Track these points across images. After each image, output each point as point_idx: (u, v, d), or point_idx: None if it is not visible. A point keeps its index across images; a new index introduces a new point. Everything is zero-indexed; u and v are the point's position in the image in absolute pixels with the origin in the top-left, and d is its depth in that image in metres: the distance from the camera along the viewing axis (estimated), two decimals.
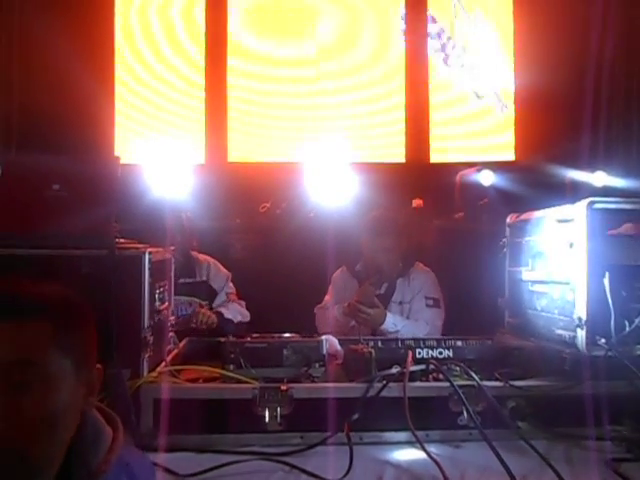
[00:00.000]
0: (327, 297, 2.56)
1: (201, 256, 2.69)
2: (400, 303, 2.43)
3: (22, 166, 1.52)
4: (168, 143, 4.37)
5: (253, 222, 4.16)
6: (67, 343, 0.71)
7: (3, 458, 0.65)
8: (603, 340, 1.36)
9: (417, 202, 4.12)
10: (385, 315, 2.24)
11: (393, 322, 2.25)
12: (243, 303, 2.67)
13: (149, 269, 1.42)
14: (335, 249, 2.79)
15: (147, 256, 1.41)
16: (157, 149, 3.96)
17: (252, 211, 4.25)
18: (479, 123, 4.81)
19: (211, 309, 2.55)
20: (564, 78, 4.32)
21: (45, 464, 0.70)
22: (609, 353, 1.35)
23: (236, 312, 2.57)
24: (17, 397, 0.66)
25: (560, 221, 1.49)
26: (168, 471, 1.18)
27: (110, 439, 0.78)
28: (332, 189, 3.76)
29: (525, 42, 4.71)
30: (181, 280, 2.50)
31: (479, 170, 4.27)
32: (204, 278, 2.61)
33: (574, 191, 3.88)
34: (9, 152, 4.02)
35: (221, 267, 2.70)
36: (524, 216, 1.74)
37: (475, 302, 2.73)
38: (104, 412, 0.82)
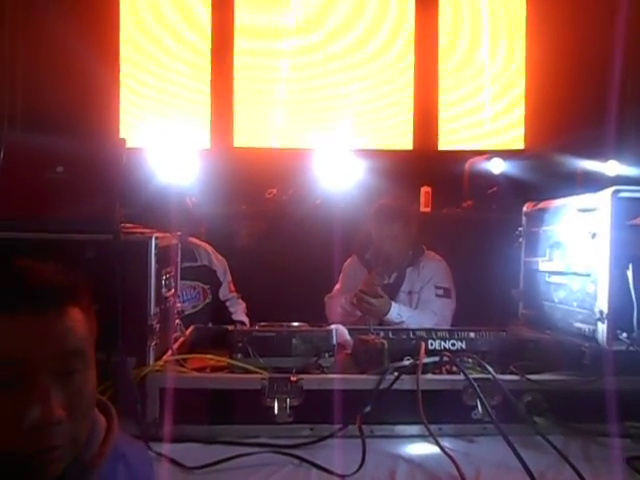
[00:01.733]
0: (337, 286, 2.53)
1: (196, 240, 2.65)
2: (409, 293, 2.39)
3: (24, 147, 1.47)
4: (173, 127, 4.34)
5: (259, 209, 4.12)
6: (92, 326, 0.72)
7: (61, 440, 0.65)
8: (625, 334, 1.31)
9: (425, 190, 4.06)
10: (390, 305, 2.20)
11: (398, 312, 2.21)
12: (244, 305, 2.64)
13: (155, 255, 1.37)
14: (342, 237, 2.75)
15: (153, 241, 1.37)
16: (163, 133, 3.92)
17: (258, 197, 4.21)
18: (489, 110, 4.74)
19: (215, 297, 2.52)
20: (575, 65, 4.24)
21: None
22: (630, 348, 1.30)
23: (239, 309, 2.56)
24: (70, 384, 0.66)
25: (582, 210, 1.43)
26: (174, 463, 1.15)
27: (104, 429, 0.74)
28: (339, 176, 3.72)
29: (537, 29, 4.61)
30: (185, 264, 2.49)
31: (489, 158, 4.22)
32: (204, 262, 2.59)
33: (585, 180, 3.82)
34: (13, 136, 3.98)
35: (218, 255, 2.67)
36: (542, 205, 1.68)
37: (485, 292, 2.69)
38: (96, 399, 0.77)
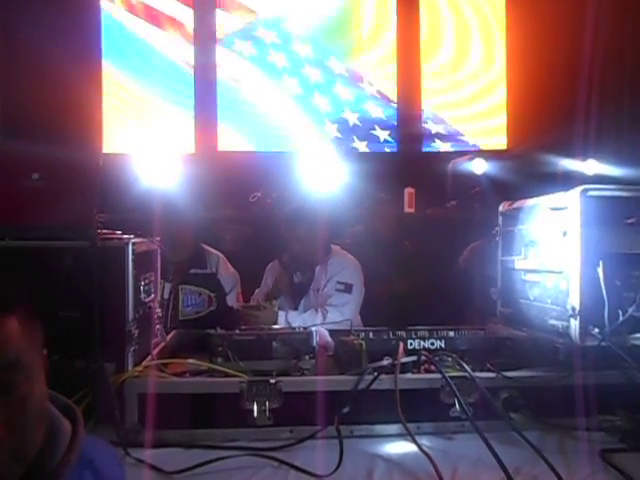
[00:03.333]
0: (257, 290, 2.62)
1: (210, 249, 2.69)
2: (317, 290, 2.48)
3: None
4: (157, 133, 4.33)
5: (244, 212, 4.12)
6: (34, 336, 0.69)
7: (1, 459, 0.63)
8: (597, 330, 1.34)
9: (409, 191, 4.09)
10: (276, 315, 2.27)
11: (286, 320, 2.28)
12: None
13: (133, 260, 1.37)
14: (327, 239, 2.76)
15: (130, 247, 1.37)
16: (146, 139, 3.91)
17: (243, 201, 4.21)
18: (472, 109, 4.78)
19: (221, 305, 2.53)
20: (556, 66, 4.30)
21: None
22: (602, 343, 1.33)
23: None
24: (9, 399, 0.64)
25: (553, 209, 1.46)
26: (153, 468, 1.15)
27: (69, 434, 0.71)
28: (324, 178, 3.73)
29: (517, 31, 4.67)
30: (192, 270, 2.53)
31: (471, 158, 4.26)
32: (214, 270, 2.60)
33: (566, 179, 3.88)
34: None
35: (229, 264, 2.69)
36: (517, 204, 1.71)
37: (468, 291, 2.71)
38: (59, 402, 0.74)
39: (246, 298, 2.69)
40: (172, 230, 2.33)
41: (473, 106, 4.78)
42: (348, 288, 2.46)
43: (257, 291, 2.61)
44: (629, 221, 1.38)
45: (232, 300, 2.58)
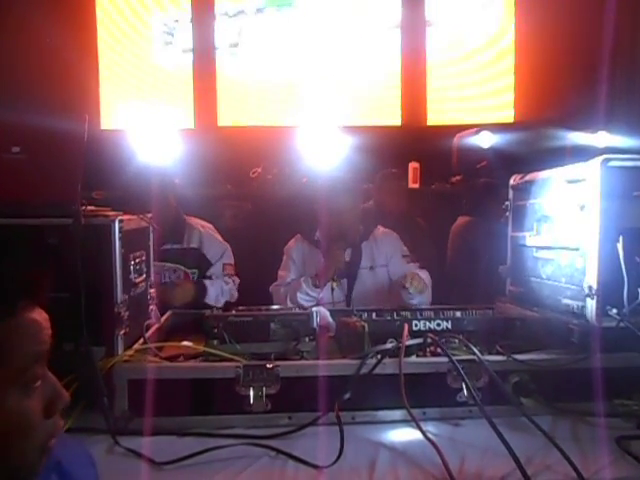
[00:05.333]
0: (282, 272, 2.36)
1: (195, 221, 2.54)
2: (371, 268, 2.32)
3: None
4: (156, 108, 4.21)
5: (244, 188, 4.02)
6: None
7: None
8: (614, 310, 1.26)
9: (413, 165, 3.98)
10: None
11: None
12: (236, 281, 2.52)
13: (120, 239, 1.29)
14: (329, 215, 2.66)
15: (117, 224, 1.29)
16: (145, 114, 3.80)
17: (243, 177, 4.11)
18: (478, 81, 4.63)
19: (202, 277, 2.43)
20: (565, 36, 4.14)
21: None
22: (621, 324, 1.25)
23: (219, 290, 2.41)
24: (44, 386, 0.62)
25: (570, 182, 1.36)
26: (143, 458, 1.09)
27: None
28: (326, 153, 3.62)
29: (526, 1, 4.49)
30: (167, 246, 2.40)
31: (478, 132, 4.12)
32: (194, 245, 2.46)
33: (575, 152, 3.75)
34: None
35: (218, 236, 2.55)
36: (529, 177, 1.61)
37: (474, 269, 2.63)
38: None
39: (242, 272, 2.58)
40: (152, 206, 2.20)
41: (480, 78, 4.62)
42: (413, 259, 2.34)
43: (284, 273, 2.36)
44: None
45: (217, 271, 2.45)
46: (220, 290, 2.41)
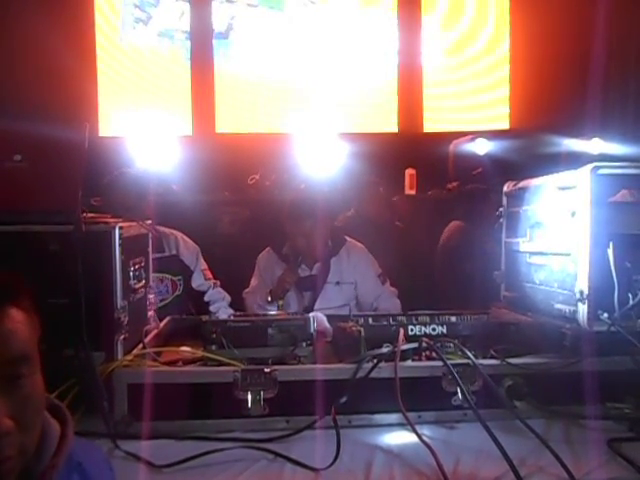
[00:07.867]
0: (253, 281, 2.44)
1: (166, 229, 2.52)
2: (337, 283, 2.36)
3: None
4: (154, 115, 4.24)
5: (242, 195, 4.04)
6: (34, 327, 0.67)
7: (11, 452, 0.61)
8: (605, 314, 1.28)
9: (410, 172, 4.01)
10: None
11: None
12: (217, 283, 2.53)
13: (120, 245, 1.31)
14: (326, 222, 2.69)
15: (117, 231, 1.31)
16: (143, 121, 3.82)
17: (241, 183, 4.14)
18: (474, 89, 4.68)
19: (188, 287, 2.44)
20: (559, 45, 4.19)
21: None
22: (612, 328, 1.27)
23: (220, 301, 2.45)
24: (16, 392, 0.62)
25: (561, 188, 1.39)
26: (143, 461, 1.11)
27: (57, 437, 0.68)
28: (323, 160, 3.65)
29: (521, 9, 4.55)
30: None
31: (473, 139, 4.16)
32: (173, 252, 2.46)
33: (570, 159, 3.79)
34: None
35: (188, 240, 2.54)
36: (522, 184, 1.64)
37: (470, 274, 2.65)
38: (47, 401, 0.71)
39: (238, 281, 2.59)
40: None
41: (476, 86, 4.66)
42: (383, 277, 2.40)
43: (253, 282, 2.44)
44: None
45: (199, 279, 2.46)
46: (225, 308, 2.44)
